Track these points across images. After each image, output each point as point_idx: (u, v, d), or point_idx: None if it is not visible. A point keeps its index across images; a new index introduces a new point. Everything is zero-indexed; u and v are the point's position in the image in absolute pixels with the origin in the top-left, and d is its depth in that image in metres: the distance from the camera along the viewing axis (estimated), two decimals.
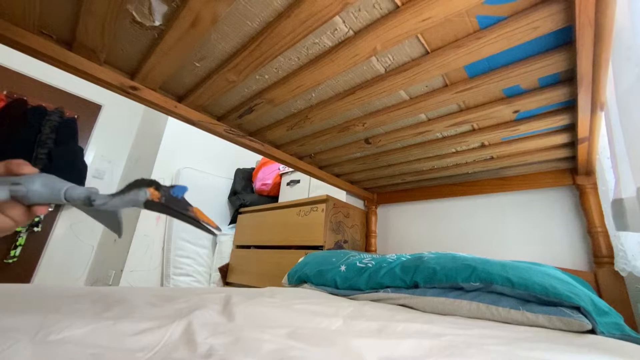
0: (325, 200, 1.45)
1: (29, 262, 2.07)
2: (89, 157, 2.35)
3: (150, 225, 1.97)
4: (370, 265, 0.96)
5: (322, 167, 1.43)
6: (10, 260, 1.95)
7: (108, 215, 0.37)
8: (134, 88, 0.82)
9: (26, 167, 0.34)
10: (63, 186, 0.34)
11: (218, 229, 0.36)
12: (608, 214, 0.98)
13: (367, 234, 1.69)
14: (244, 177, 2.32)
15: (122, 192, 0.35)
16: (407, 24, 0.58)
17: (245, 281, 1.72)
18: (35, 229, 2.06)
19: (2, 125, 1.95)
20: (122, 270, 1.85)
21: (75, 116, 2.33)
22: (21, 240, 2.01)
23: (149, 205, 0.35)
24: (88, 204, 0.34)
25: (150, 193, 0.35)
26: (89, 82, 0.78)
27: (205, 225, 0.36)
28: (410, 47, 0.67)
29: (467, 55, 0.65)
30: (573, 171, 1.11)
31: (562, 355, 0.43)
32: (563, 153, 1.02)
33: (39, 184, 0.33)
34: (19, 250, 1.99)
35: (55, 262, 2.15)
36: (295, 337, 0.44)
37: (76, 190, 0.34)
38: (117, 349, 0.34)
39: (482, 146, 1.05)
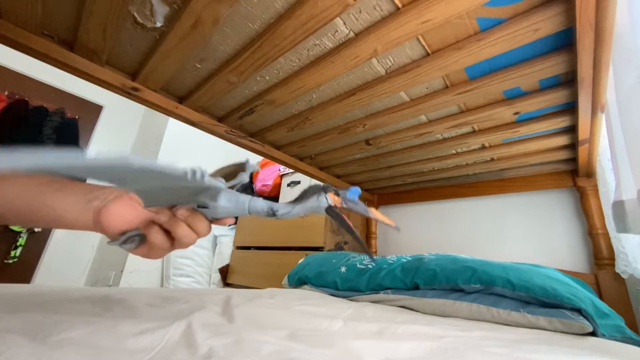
0: None
1: (29, 263, 2.08)
2: None
3: None
4: (370, 266, 0.96)
5: (323, 169, 1.43)
6: (11, 261, 1.95)
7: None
8: (135, 89, 0.82)
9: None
10: (245, 199, 0.35)
11: (397, 229, 0.37)
12: (609, 216, 0.98)
13: (368, 235, 1.69)
14: None
15: (300, 199, 0.36)
16: (407, 25, 0.58)
17: (245, 282, 1.72)
18: (36, 229, 2.06)
19: (3, 125, 1.96)
20: (122, 271, 1.85)
21: (77, 117, 2.34)
22: (21, 240, 2.01)
23: (330, 210, 0.35)
24: (271, 215, 0.35)
25: (332, 199, 0.35)
26: (90, 83, 0.78)
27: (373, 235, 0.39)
28: (410, 49, 0.67)
29: (468, 56, 0.65)
30: (574, 173, 1.11)
31: (562, 357, 0.43)
32: (564, 155, 1.02)
33: (224, 200, 0.34)
34: (19, 250, 1.99)
35: (55, 263, 2.15)
36: (296, 339, 0.44)
37: (258, 203, 0.35)
38: (117, 350, 0.34)
39: (483, 148, 1.05)
